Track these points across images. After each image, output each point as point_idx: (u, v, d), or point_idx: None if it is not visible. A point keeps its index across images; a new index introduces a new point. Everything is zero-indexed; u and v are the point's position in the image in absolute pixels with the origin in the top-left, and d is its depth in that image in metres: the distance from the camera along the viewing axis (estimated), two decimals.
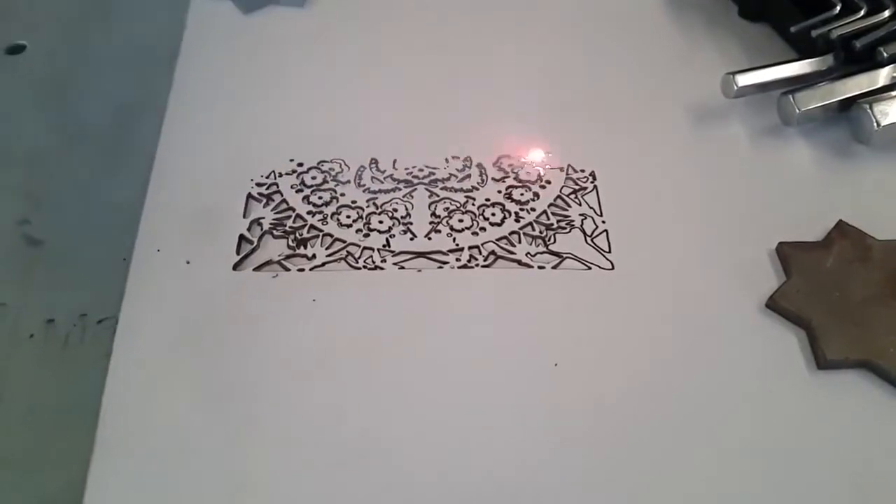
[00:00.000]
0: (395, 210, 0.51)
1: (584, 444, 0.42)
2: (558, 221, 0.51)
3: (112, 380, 0.44)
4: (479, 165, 0.54)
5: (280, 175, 0.53)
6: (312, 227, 0.51)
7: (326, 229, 0.50)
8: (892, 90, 0.54)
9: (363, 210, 0.51)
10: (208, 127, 0.57)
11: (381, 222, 0.51)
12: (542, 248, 0.50)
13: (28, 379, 0.46)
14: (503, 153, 0.55)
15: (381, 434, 0.42)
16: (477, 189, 0.53)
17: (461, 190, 0.53)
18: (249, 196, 0.52)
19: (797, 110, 0.54)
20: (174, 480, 0.41)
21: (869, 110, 0.53)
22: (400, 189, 0.53)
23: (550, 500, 0.40)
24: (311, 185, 0.53)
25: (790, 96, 0.54)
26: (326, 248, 0.49)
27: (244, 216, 0.51)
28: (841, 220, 0.50)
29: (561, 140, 0.56)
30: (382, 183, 0.53)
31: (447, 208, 0.52)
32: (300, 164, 0.54)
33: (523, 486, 0.41)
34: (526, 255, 0.49)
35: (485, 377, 0.44)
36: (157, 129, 0.56)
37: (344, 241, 0.50)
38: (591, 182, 0.53)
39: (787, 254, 0.49)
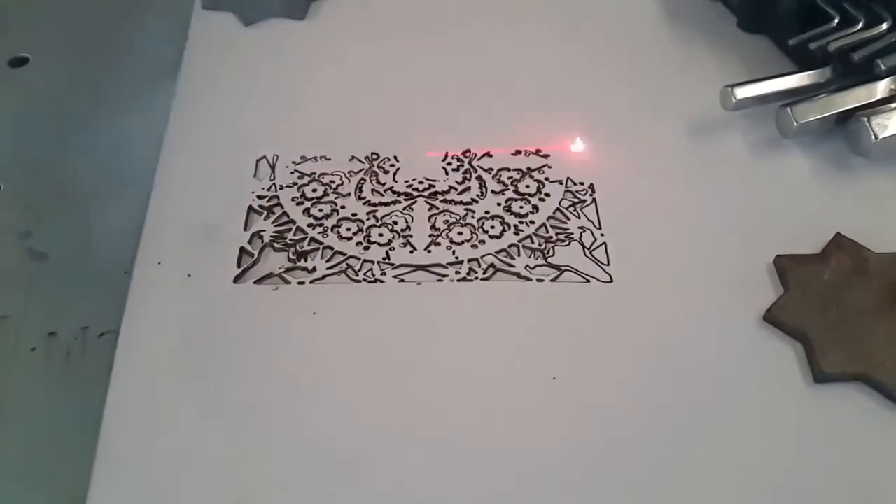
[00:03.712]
0: (395, 223, 0.52)
1: (582, 457, 0.42)
2: (557, 234, 0.51)
3: (113, 393, 0.44)
4: (479, 178, 0.54)
5: (281, 187, 0.54)
6: (313, 239, 0.51)
7: (327, 242, 0.51)
8: (891, 103, 0.54)
9: (363, 223, 0.52)
10: (209, 138, 0.57)
11: (381, 235, 0.51)
12: (541, 261, 0.50)
13: (30, 392, 0.47)
14: (503, 166, 0.55)
15: (380, 446, 0.42)
16: (476, 201, 0.53)
17: (461, 202, 0.53)
18: (250, 208, 0.53)
19: (795, 123, 0.54)
20: (174, 493, 0.41)
21: (867, 123, 0.53)
22: (400, 202, 0.53)
23: None
24: (312, 198, 0.53)
25: (788, 109, 0.55)
26: (327, 261, 0.50)
27: (245, 229, 0.51)
28: (839, 233, 0.50)
29: (560, 152, 0.56)
30: (382, 195, 0.53)
31: (447, 221, 0.52)
32: (301, 177, 0.54)
33: (522, 498, 0.41)
34: (525, 267, 0.49)
35: (483, 390, 0.44)
36: (159, 141, 0.56)
37: (344, 254, 0.50)
38: (591, 195, 0.53)
39: (784, 267, 0.49)
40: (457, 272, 0.49)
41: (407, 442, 0.42)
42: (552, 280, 0.49)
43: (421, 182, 0.54)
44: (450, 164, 0.55)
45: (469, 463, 0.42)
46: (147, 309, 0.48)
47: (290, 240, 0.51)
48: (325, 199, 0.53)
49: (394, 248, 0.50)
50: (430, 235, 0.51)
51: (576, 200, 0.53)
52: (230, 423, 0.43)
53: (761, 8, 0.64)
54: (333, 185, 0.54)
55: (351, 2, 0.68)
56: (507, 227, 0.52)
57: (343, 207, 0.53)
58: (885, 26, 0.56)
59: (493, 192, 0.54)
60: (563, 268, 0.49)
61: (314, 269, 0.49)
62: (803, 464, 0.42)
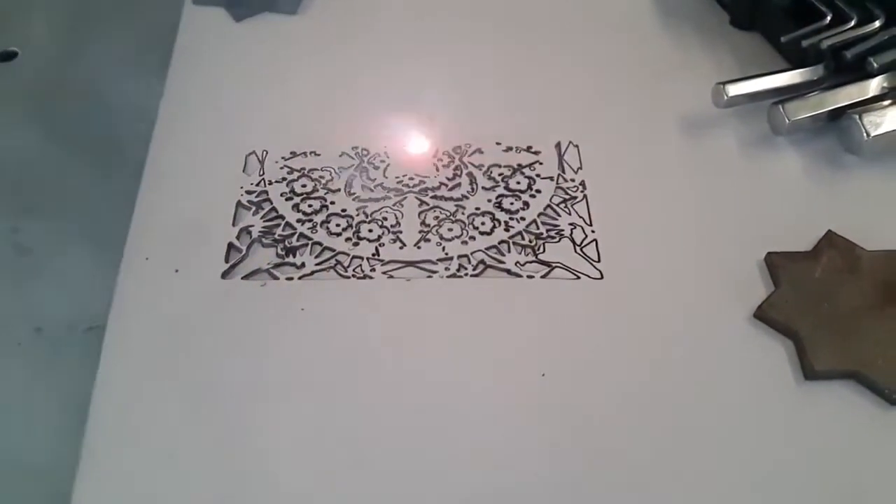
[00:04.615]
0: (385, 219, 0.51)
1: (571, 454, 0.42)
2: (548, 231, 0.51)
3: (99, 388, 0.44)
4: (470, 174, 0.54)
5: (270, 183, 0.53)
6: (302, 235, 0.50)
7: (316, 238, 0.50)
8: (882, 100, 0.54)
9: (353, 218, 0.51)
10: (198, 134, 0.57)
11: (370, 231, 0.51)
12: (531, 258, 0.50)
13: (16, 387, 0.46)
14: (493, 162, 0.55)
15: (368, 441, 0.42)
16: (467, 198, 0.53)
17: (451, 199, 0.53)
18: (239, 204, 0.52)
19: (787, 120, 0.54)
20: (161, 488, 0.41)
21: (859, 120, 0.53)
22: (390, 197, 0.53)
23: None
24: (301, 193, 0.53)
25: (780, 106, 0.54)
26: (315, 257, 0.49)
27: (233, 224, 0.51)
28: (830, 231, 0.50)
29: (552, 149, 0.56)
30: (373, 191, 0.53)
31: (437, 217, 0.52)
32: (290, 172, 0.54)
33: (510, 494, 0.41)
34: (515, 264, 0.49)
35: (472, 386, 0.44)
36: (148, 137, 0.56)
37: (333, 250, 0.50)
38: (582, 191, 0.53)
39: (776, 264, 0.49)
40: (447, 268, 0.49)
41: (396, 438, 0.42)
42: (542, 277, 0.49)
43: (411, 178, 0.54)
44: (440, 160, 0.55)
45: (458, 459, 0.42)
46: (134, 304, 0.47)
47: (279, 235, 0.50)
48: (315, 194, 0.53)
49: (383, 244, 0.50)
50: (419, 231, 0.51)
51: (567, 197, 0.53)
52: (217, 418, 0.43)
53: (753, 5, 0.64)
54: (323, 181, 0.54)
55: None
56: (497, 224, 0.51)
57: (332, 203, 0.52)
58: (877, 24, 0.56)
59: (483, 188, 0.53)
60: (554, 264, 0.49)
61: (303, 264, 0.49)
62: (793, 460, 0.42)
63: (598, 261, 0.49)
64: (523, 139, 0.56)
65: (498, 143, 0.56)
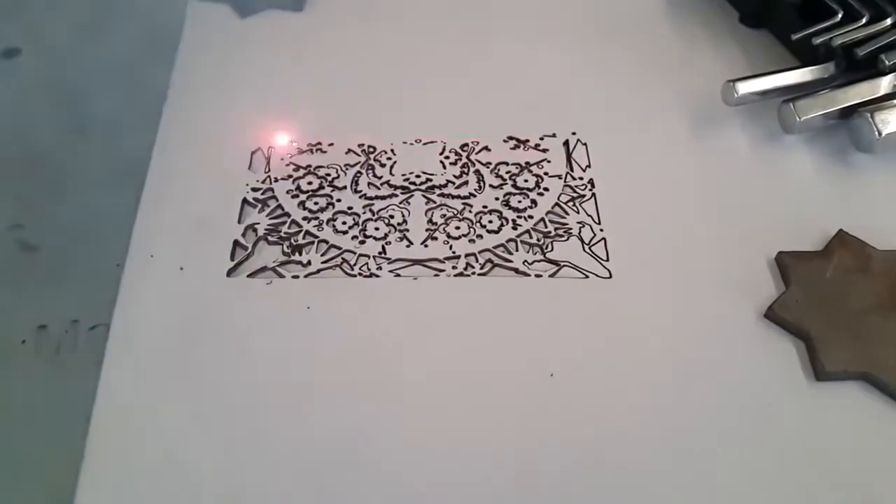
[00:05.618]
0: (392, 217, 0.51)
1: (580, 454, 0.41)
2: (556, 229, 0.51)
3: (103, 386, 0.43)
4: (477, 172, 0.54)
5: (276, 180, 0.53)
6: (308, 233, 0.50)
7: (322, 235, 0.50)
8: (894, 98, 0.54)
9: (359, 216, 0.51)
10: (204, 131, 0.56)
11: (377, 229, 0.50)
12: (539, 256, 0.49)
13: (19, 385, 0.46)
14: (501, 160, 0.54)
15: (375, 441, 0.42)
16: (474, 196, 0.52)
17: (458, 197, 0.52)
18: (245, 201, 0.52)
19: (798, 118, 0.53)
20: (164, 488, 0.40)
21: (870, 119, 0.52)
22: (396, 195, 0.52)
23: None
24: (307, 191, 0.52)
25: (791, 104, 0.54)
26: (321, 255, 0.49)
27: (239, 221, 0.51)
28: (841, 230, 0.50)
29: (559, 147, 0.55)
30: (379, 189, 0.53)
31: (444, 215, 0.51)
32: (296, 169, 0.53)
33: (519, 495, 0.40)
34: (523, 263, 0.49)
35: (480, 387, 0.44)
36: (153, 134, 0.55)
37: (339, 248, 0.49)
38: (590, 190, 0.53)
39: (786, 263, 0.48)
40: (454, 267, 0.49)
41: (402, 438, 0.42)
42: (550, 276, 0.48)
43: (418, 176, 0.53)
44: (447, 157, 0.55)
45: (465, 459, 0.41)
46: (139, 302, 0.47)
47: (285, 233, 0.50)
48: (321, 192, 0.52)
49: (390, 243, 0.50)
50: (426, 230, 0.50)
51: (575, 195, 0.52)
52: (222, 417, 0.43)
53: (763, 3, 0.63)
54: (329, 178, 0.53)
55: None
56: (505, 222, 0.51)
57: (339, 201, 0.52)
58: (889, 22, 0.56)
59: (491, 186, 0.53)
60: (562, 263, 0.49)
61: (309, 262, 0.49)
62: (804, 462, 0.41)
63: (607, 259, 0.49)
64: (531, 137, 0.56)
65: (505, 141, 0.56)
